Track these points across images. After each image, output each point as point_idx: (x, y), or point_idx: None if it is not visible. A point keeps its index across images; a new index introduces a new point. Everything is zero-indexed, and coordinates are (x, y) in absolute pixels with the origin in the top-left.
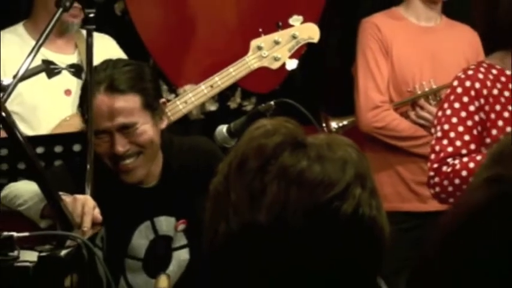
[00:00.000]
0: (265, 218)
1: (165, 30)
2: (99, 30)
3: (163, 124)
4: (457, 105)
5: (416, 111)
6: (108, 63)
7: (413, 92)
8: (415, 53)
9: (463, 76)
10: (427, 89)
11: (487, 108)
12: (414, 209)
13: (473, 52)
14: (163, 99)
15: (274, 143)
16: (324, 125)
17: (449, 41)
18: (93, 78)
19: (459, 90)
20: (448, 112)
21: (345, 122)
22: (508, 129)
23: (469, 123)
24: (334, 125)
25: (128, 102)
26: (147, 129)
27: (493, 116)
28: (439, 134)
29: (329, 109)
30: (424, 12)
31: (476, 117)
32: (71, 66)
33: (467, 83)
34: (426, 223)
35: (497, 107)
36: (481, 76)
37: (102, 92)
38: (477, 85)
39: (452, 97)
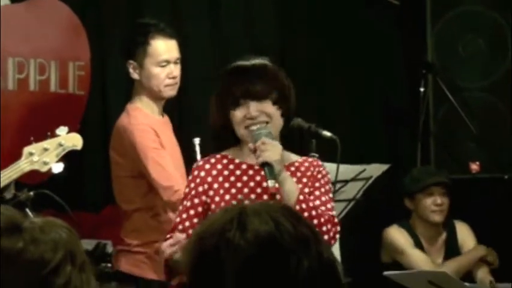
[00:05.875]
0: None
1: None
2: None
3: None
4: (187, 189)
5: None
6: None
7: None
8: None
9: (194, 166)
10: None
11: (211, 193)
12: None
13: None
14: None
15: None
16: None
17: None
18: None
19: (190, 177)
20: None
21: None
22: None
23: (196, 201)
24: None
25: None
26: None
27: (217, 198)
28: (178, 218)
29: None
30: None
31: (203, 197)
32: None
33: (195, 172)
34: None
35: (221, 191)
36: (207, 166)
37: None
38: (202, 174)
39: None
